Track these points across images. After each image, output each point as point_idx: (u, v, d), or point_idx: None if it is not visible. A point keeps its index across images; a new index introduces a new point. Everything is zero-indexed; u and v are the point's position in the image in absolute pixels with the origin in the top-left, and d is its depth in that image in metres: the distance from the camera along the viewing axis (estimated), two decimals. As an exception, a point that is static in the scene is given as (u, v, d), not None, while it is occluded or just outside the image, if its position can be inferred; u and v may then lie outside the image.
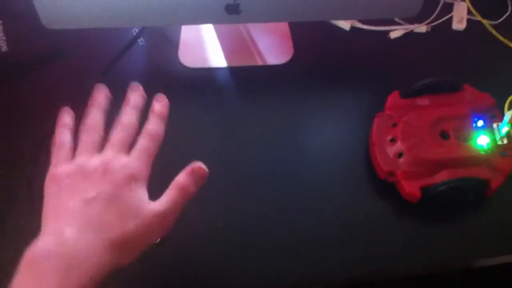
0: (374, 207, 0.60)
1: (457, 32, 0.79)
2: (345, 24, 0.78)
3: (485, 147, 0.59)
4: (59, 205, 0.43)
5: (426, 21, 0.79)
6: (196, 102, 0.69)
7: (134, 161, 0.45)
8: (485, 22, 0.76)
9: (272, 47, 0.77)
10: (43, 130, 0.65)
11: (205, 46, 0.77)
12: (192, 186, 0.45)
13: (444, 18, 0.80)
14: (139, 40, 0.77)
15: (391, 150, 0.59)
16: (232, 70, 0.74)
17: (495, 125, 0.60)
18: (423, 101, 0.63)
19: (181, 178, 0.45)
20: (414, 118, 0.61)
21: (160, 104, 0.50)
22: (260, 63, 0.75)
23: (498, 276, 0.63)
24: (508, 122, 0.59)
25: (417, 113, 0.61)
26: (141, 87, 0.50)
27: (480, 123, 0.60)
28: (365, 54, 0.77)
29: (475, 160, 0.58)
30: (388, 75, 0.72)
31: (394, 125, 0.61)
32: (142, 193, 0.44)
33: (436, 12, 0.79)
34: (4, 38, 0.75)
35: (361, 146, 0.64)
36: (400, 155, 0.59)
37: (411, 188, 0.57)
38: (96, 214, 0.41)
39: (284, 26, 0.79)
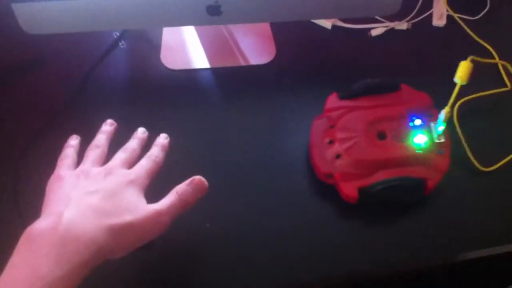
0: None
1: (438, 28, 0.80)
2: (326, 23, 0.79)
3: (423, 146, 0.58)
4: (60, 195, 0.45)
5: (407, 18, 0.79)
6: (179, 104, 0.69)
7: (134, 172, 0.49)
8: (457, 18, 0.76)
9: (254, 47, 0.77)
10: (25, 137, 0.65)
11: (187, 48, 0.77)
12: (191, 195, 0.48)
13: (424, 15, 0.81)
14: (120, 43, 0.77)
15: (329, 152, 0.59)
16: (215, 71, 0.74)
17: (432, 124, 0.60)
18: (362, 102, 0.62)
19: (181, 186, 0.48)
20: (351, 120, 0.60)
21: (162, 137, 0.55)
22: (242, 63, 0.75)
23: (436, 276, 0.63)
24: (444, 121, 0.58)
25: (354, 114, 0.61)
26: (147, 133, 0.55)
27: (418, 122, 0.60)
28: (347, 52, 0.77)
29: (412, 160, 0.57)
30: (370, 72, 0.72)
31: (332, 127, 0.60)
32: (140, 196, 0.47)
33: (416, 9, 0.80)
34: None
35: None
36: (338, 156, 0.58)
37: (348, 190, 0.56)
38: (96, 202, 0.44)
39: (266, 26, 0.79)
